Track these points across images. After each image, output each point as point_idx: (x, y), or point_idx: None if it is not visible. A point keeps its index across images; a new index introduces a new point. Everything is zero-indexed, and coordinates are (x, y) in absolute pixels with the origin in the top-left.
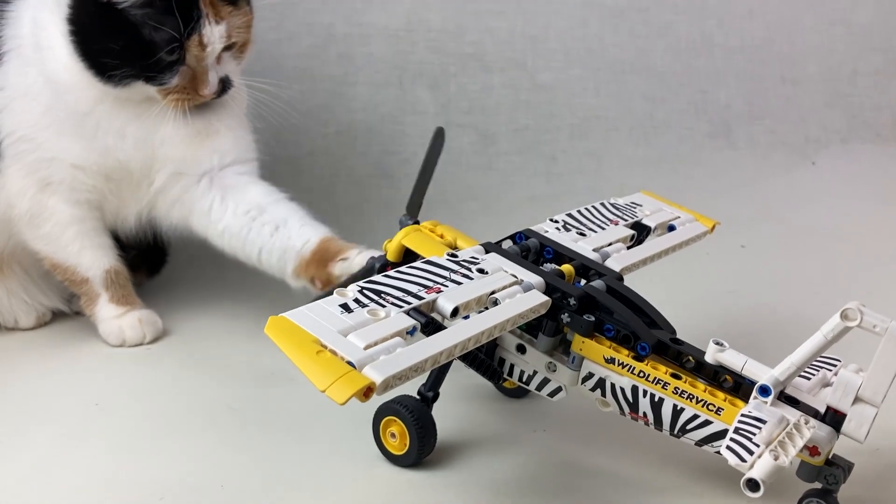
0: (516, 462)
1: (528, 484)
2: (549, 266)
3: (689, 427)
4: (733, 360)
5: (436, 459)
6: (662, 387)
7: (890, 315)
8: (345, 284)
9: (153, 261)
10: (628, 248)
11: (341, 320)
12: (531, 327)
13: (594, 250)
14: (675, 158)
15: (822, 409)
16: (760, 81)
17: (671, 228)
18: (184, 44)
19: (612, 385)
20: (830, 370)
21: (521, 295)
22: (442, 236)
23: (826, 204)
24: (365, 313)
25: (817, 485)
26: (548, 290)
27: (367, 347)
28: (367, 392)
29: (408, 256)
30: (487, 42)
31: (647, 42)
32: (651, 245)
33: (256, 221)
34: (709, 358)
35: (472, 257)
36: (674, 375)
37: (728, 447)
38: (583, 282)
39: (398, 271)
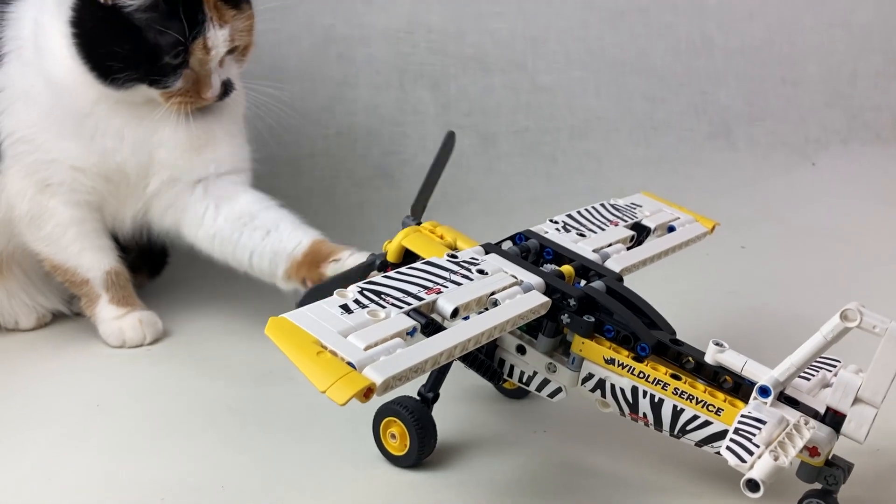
0: (516, 463)
1: (529, 484)
2: (548, 267)
3: (689, 428)
4: (733, 360)
5: (436, 460)
6: (662, 387)
7: (890, 316)
8: (345, 277)
9: (154, 262)
10: (628, 248)
11: (341, 321)
12: (531, 328)
13: (594, 251)
14: (676, 159)
15: (822, 410)
16: (760, 82)
17: (671, 229)
18: (188, 47)
19: (612, 386)
20: (830, 371)
21: (520, 296)
22: (442, 237)
23: (826, 204)
24: (365, 314)
25: (817, 485)
26: (548, 291)
27: (367, 348)
28: (367, 393)
29: (408, 257)
30: (488, 43)
31: (648, 43)
32: (651, 246)
33: (248, 227)
34: (708, 359)
35: (472, 258)
36: (674, 376)
37: (728, 448)
38: (583, 282)
39: (398, 272)
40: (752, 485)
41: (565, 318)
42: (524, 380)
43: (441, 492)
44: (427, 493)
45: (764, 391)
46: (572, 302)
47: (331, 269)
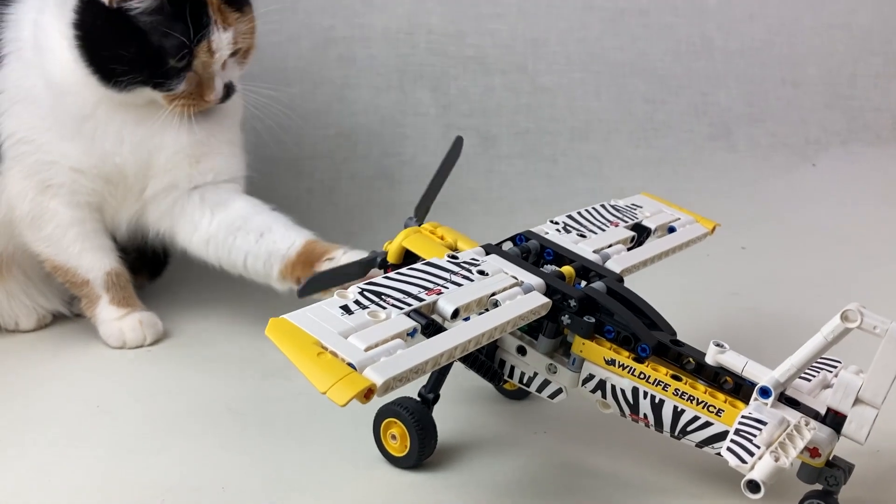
0: (517, 463)
1: (529, 485)
2: (549, 268)
3: (689, 429)
4: (734, 361)
5: (436, 461)
6: (663, 388)
7: (890, 316)
8: (347, 269)
9: (154, 263)
10: (628, 249)
11: (342, 322)
12: (532, 329)
13: (594, 252)
14: (676, 160)
15: (823, 411)
16: (761, 83)
17: (671, 230)
18: (193, 50)
19: (613, 387)
20: (831, 372)
21: (521, 296)
22: (442, 238)
23: (826, 205)
24: (365, 315)
25: (818, 486)
26: (548, 292)
27: (367, 349)
28: (367, 394)
29: (408, 258)
30: (488, 45)
31: (648, 45)
32: (651, 247)
33: (241, 230)
34: (709, 359)
35: (473, 259)
36: (674, 377)
37: (728, 448)
38: (583, 283)
39: (399, 273)
40: (753, 486)
41: (566, 319)
42: (525, 381)
43: (441, 493)
44: (427, 494)
45: (764, 392)
46: (573, 303)
47: (325, 268)
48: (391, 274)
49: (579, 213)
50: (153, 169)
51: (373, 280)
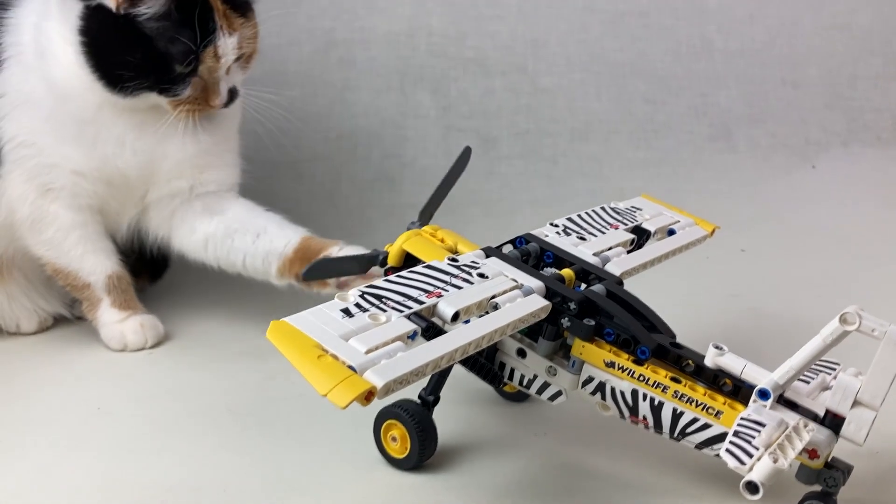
0: (517, 465)
1: (529, 487)
2: (549, 270)
3: (688, 430)
4: (733, 363)
5: (436, 463)
6: (662, 390)
7: (890, 318)
8: (348, 262)
9: (155, 266)
10: (628, 252)
11: (342, 325)
12: (531, 331)
13: (594, 254)
14: (676, 161)
15: (822, 413)
16: (761, 84)
17: (671, 233)
18: (199, 55)
19: (612, 389)
20: (830, 374)
21: (521, 299)
22: (442, 241)
23: (826, 207)
24: (366, 318)
25: (817, 487)
26: (548, 295)
27: (368, 352)
28: (368, 396)
29: (409, 261)
30: (488, 46)
31: (648, 46)
32: (651, 249)
33: (238, 232)
34: (708, 362)
35: (473, 262)
36: (674, 379)
37: (727, 450)
38: (583, 286)
39: (399, 276)
40: (752, 487)
41: (565, 322)
42: (524, 383)
43: (442, 494)
44: (428, 496)
45: (763, 394)
46: (572, 305)
47: None
48: (391, 277)
49: (579, 216)
50: (157, 175)
51: (373, 283)
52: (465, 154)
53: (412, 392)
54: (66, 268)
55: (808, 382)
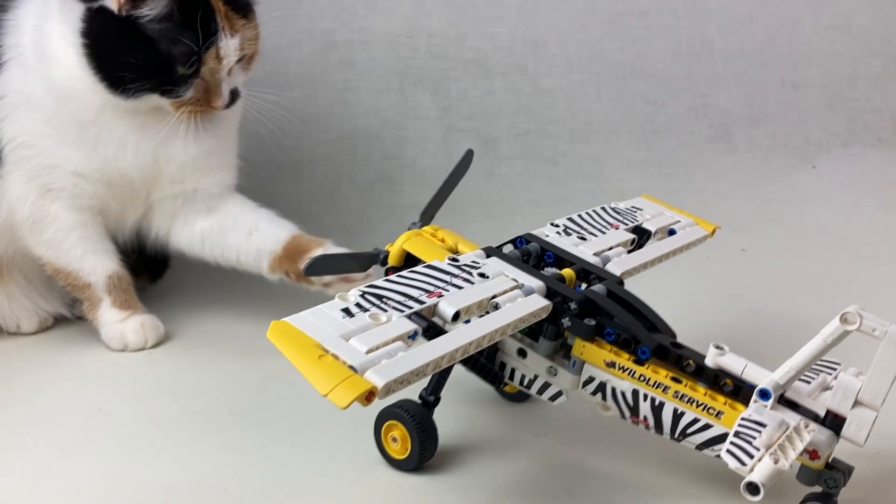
0: (517, 466)
1: (529, 488)
2: (549, 270)
3: (689, 431)
4: (733, 363)
5: (437, 464)
6: (663, 391)
7: (890, 319)
8: (348, 262)
9: (155, 265)
10: (629, 252)
11: (343, 325)
12: (532, 331)
13: (595, 254)
14: (676, 162)
15: (822, 413)
16: (761, 85)
17: (671, 233)
18: (201, 57)
19: (613, 389)
20: (830, 374)
21: (521, 299)
22: (443, 241)
23: (826, 207)
24: (366, 318)
25: (817, 488)
26: (548, 295)
27: (368, 351)
28: (368, 396)
29: (409, 261)
30: (488, 47)
31: (648, 46)
32: (651, 249)
33: (232, 229)
34: (709, 362)
35: (473, 262)
36: (674, 379)
37: (728, 451)
38: (583, 286)
39: (400, 276)
40: (752, 488)
41: (566, 322)
42: (525, 383)
43: (442, 495)
44: (428, 497)
45: (764, 394)
46: (573, 305)
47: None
48: (392, 277)
49: (580, 216)
50: (161, 177)
51: (374, 283)
52: (468, 157)
53: (413, 392)
54: (67, 268)
55: (808, 382)
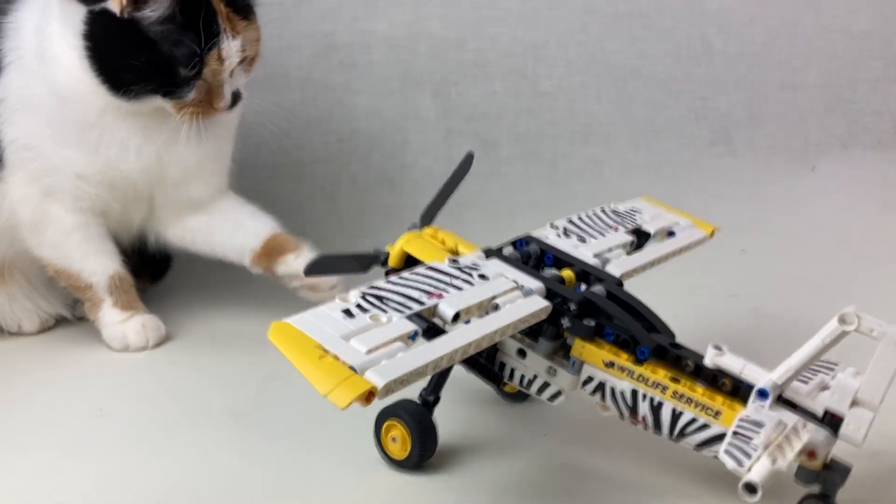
0: (517, 466)
1: (529, 488)
2: (549, 271)
3: (687, 431)
4: (732, 363)
5: (437, 463)
6: (662, 390)
7: (889, 319)
8: (349, 262)
9: (157, 266)
10: (628, 253)
11: (343, 325)
12: (532, 332)
13: (594, 256)
14: (676, 164)
15: (820, 413)
16: (761, 87)
17: (671, 234)
18: (203, 58)
19: (612, 389)
20: (828, 374)
21: (521, 300)
22: (443, 242)
23: (826, 209)
24: (367, 318)
25: (815, 488)
26: (548, 296)
27: (368, 352)
28: (368, 396)
29: (409, 262)
30: (489, 50)
31: (648, 48)
32: (651, 250)
33: (217, 226)
34: (708, 362)
35: (473, 263)
36: (673, 379)
37: (726, 451)
38: (583, 287)
39: (400, 277)
40: (750, 488)
41: (566, 322)
42: (524, 383)
43: (442, 495)
44: (428, 497)
45: (762, 394)
46: (573, 306)
47: (281, 270)
48: (392, 278)
49: (579, 218)
50: (164, 180)
51: (374, 284)
52: (468, 159)
53: (413, 392)
54: (68, 269)
55: (806, 382)
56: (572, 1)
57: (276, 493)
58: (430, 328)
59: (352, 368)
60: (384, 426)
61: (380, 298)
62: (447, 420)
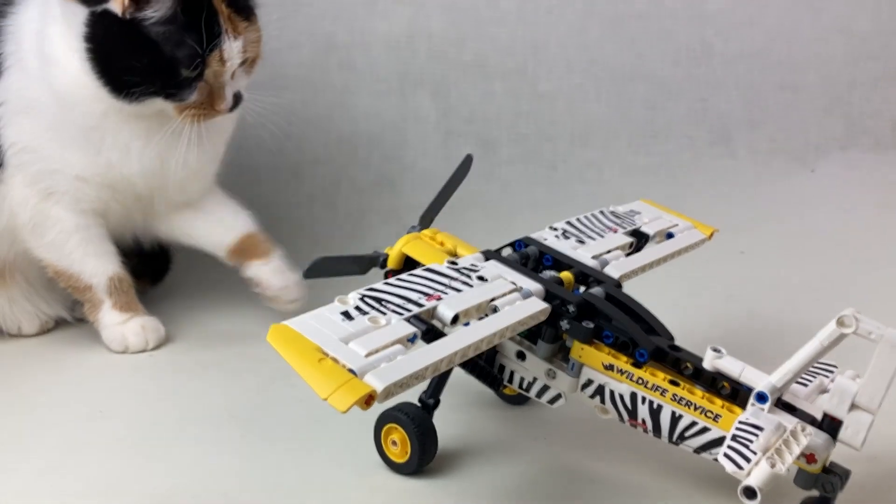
0: (517, 469)
1: (529, 491)
2: (548, 273)
3: (687, 434)
4: (731, 366)
5: (437, 467)
6: (661, 393)
7: (887, 322)
8: (348, 264)
9: (156, 268)
10: (627, 255)
11: (342, 328)
12: (531, 334)
13: (593, 258)
14: (676, 166)
15: (820, 416)
16: (760, 89)
17: (670, 236)
18: (205, 60)
19: (611, 392)
20: (827, 377)
21: (520, 302)
22: (442, 244)
23: (825, 211)
24: (366, 321)
25: (815, 492)
26: (547, 298)
27: (368, 355)
28: (368, 400)
29: (408, 264)
30: (488, 50)
31: (648, 50)
32: (650, 252)
33: (199, 222)
34: (707, 365)
35: (472, 265)
36: (672, 382)
37: (725, 454)
38: (582, 289)
39: (399, 279)
40: (749, 492)
41: (565, 324)
42: (524, 386)
43: (442, 499)
44: (428, 500)
45: (761, 397)
46: (572, 308)
47: (247, 273)
48: (391, 280)
49: (578, 220)
50: (165, 182)
51: (373, 286)
52: (467, 162)
53: (412, 395)
54: (68, 270)
55: (805, 385)
56: (572, 2)
57: (276, 494)
58: (429, 330)
59: (351, 372)
60: (384, 430)
61: (378, 300)
62: (447, 423)
